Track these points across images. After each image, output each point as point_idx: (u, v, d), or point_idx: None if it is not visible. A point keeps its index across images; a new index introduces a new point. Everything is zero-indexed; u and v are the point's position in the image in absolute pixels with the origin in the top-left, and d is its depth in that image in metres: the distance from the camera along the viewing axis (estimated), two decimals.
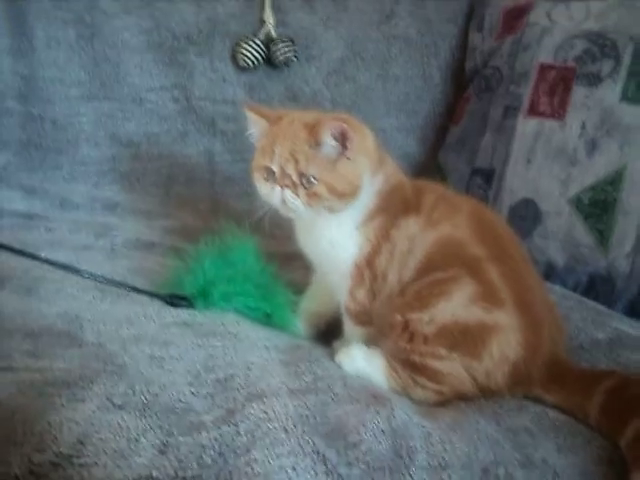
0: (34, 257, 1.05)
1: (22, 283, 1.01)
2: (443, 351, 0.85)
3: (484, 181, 1.35)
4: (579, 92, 1.28)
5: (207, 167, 1.46)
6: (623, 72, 1.26)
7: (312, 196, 0.87)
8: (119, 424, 0.71)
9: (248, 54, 1.42)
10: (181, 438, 0.70)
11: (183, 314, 0.96)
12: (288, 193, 0.87)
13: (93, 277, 1.01)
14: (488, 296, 0.85)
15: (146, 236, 1.28)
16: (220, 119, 1.46)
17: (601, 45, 1.28)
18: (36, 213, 1.31)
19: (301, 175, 0.86)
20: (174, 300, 0.99)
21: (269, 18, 1.45)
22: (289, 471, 0.66)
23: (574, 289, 1.24)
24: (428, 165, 1.53)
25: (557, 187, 1.26)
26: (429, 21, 1.56)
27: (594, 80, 1.27)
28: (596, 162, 1.24)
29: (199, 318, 0.95)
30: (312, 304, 1.02)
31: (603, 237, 1.22)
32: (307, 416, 0.73)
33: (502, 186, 1.31)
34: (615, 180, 1.22)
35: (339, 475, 0.67)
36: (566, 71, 1.30)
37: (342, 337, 0.98)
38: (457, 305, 0.85)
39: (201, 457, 0.68)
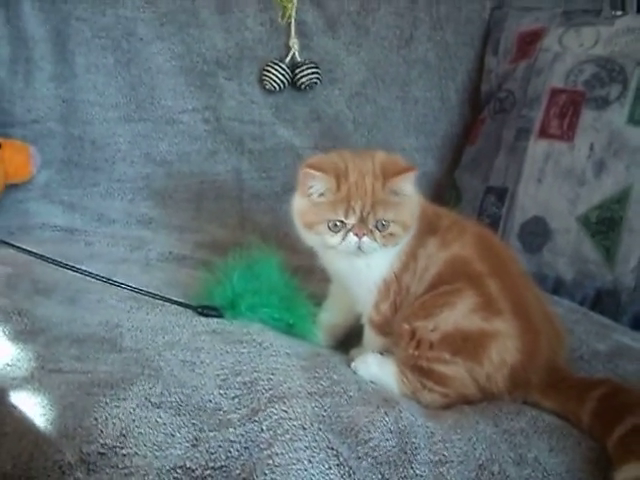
0: (77, 270, 1.12)
1: (66, 294, 1.10)
2: (447, 356, 0.92)
3: (497, 199, 1.40)
4: (588, 115, 1.34)
5: (235, 184, 1.54)
6: (630, 96, 1.31)
7: (388, 237, 0.94)
8: (156, 420, 0.79)
9: (274, 77, 1.50)
10: (211, 433, 0.77)
11: (213, 323, 1.04)
12: (366, 240, 0.93)
13: (131, 289, 1.09)
14: (487, 306, 0.93)
15: (178, 249, 1.36)
16: (248, 139, 1.54)
17: (609, 70, 1.34)
18: (76, 227, 1.41)
19: (378, 222, 0.93)
20: (204, 310, 1.07)
21: (294, 43, 1.52)
22: (306, 463, 0.74)
23: (582, 303, 1.30)
24: (445, 184, 1.59)
25: (566, 206, 1.32)
26: (447, 45, 1.62)
27: (602, 104, 1.33)
28: (603, 182, 1.30)
29: (227, 327, 1.03)
30: (331, 316, 1.09)
31: (609, 253, 1.27)
32: (323, 416, 0.81)
33: (514, 204, 1.38)
34: (621, 199, 1.28)
35: (350, 467, 0.74)
36: (576, 95, 1.36)
37: (360, 345, 1.05)
38: (459, 314, 0.92)
39: (229, 450, 0.75)
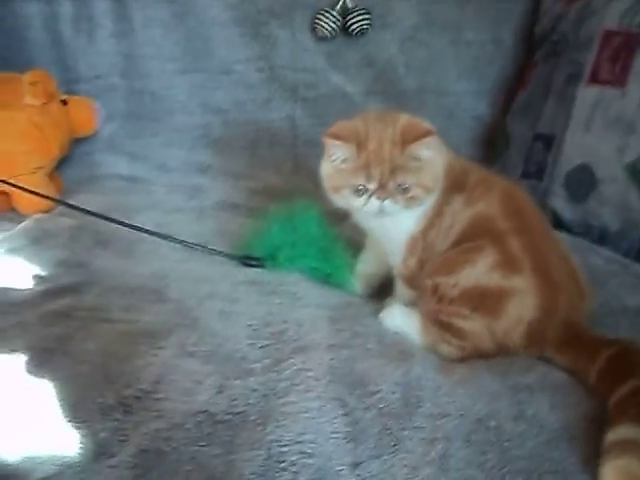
0: (127, 225, 1.20)
1: (123, 245, 1.19)
2: (466, 311, 0.96)
3: (544, 146, 1.39)
4: None
5: (289, 131, 1.58)
6: None
7: (410, 200, 0.97)
8: (188, 368, 0.87)
9: (326, 25, 1.52)
10: (235, 382, 0.84)
11: (253, 274, 1.11)
12: (388, 203, 0.97)
13: (176, 241, 1.17)
14: (508, 264, 0.95)
15: (232, 198, 1.43)
16: (301, 86, 1.58)
17: None
18: (138, 176, 1.51)
19: (399, 186, 0.97)
20: (247, 261, 1.14)
21: None
22: (315, 412, 0.80)
23: (627, 253, 1.29)
24: (497, 129, 1.58)
25: (613, 154, 1.29)
26: None
27: None
28: None
29: (266, 277, 1.10)
30: (367, 266, 1.13)
31: None
32: (338, 367, 0.87)
33: (561, 152, 1.36)
34: None
35: (355, 417, 0.80)
36: (630, 37, 1.31)
37: (393, 296, 1.10)
38: (479, 271, 0.95)
39: (248, 397, 0.82)
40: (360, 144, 0.97)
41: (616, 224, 1.30)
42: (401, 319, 1.01)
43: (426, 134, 0.96)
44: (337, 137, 0.98)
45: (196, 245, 1.17)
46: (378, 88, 1.56)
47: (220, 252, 1.16)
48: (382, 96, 1.58)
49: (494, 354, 0.96)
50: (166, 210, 1.36)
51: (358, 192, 0.98)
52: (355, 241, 1.15)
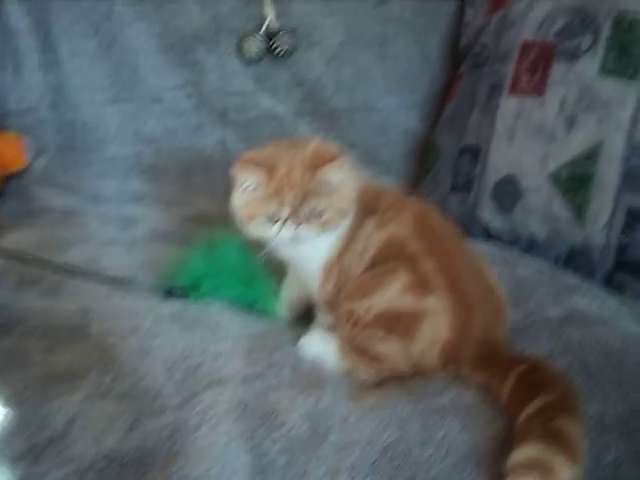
0: (51, 266, 1.19)
1: (48, 283, 1.17)
2: (381, 334, 0.96)
3: (471, 158, 1.40)
4: (559, 68, 1.30)
5: (221, 156, 1.58)
6: (602, 45, 1.26)
7: (324, 224, 0.98)
8: (101, 410, 0.87)
9: (252, 48, 1.52)
10: (146, 419, 0.84)
11: (177, 305, 1.10)
12: (302, 229, 0.97)
13: (98, 278, 1.17)
14: (420, 285, 0.95)
15: (164, 227, 1.42)
16: (231, 110, 1.58)
17: (581, 19, 1.30)
18: (72, 209, 1.49)
19: (312, 210, 0.97)
20: (171, 292, 1.14)
21: (269, 12, 1.53)
22: (222, 447, 0.80)
23: (555, 262, 1.29)
24: (428, 142, 1.59)
25: (537, 163, 1.30)
26: None
27: (573, 55, 1.29)
28: (574, 138, 1.27)
29: (189, 309, 1.09)
30: (292, 291, 1.13)
31: (580, 211, 1.26)
32: (249, 400, 0.87)
33: (487, 163, 1.37)
34: (592, 155, 1.25)
35: (262, 450, 0.80)
36: (547, 47, 1.32)
37: (315, 322, 1.10)
38: (392, 294, 0.96)
39: (159, 435, 0.82)
40: (270, 171, 0.98)
41: (543, 233, 1.31)
42: (319, 345, 1.02)
43: (336, 157, 0.97)
44: (247, 164, 0.99)
45: (119, 280, 1.16)
46: (308, 108, 1.57)
47: (143, 286, 1.16)
48: (312, 116, 1.59)
49: (411, 376, 0.96)
50: (98, 243, 1.35)
51: (271, 220, 0.98)
52: (279, 267, 1.14)
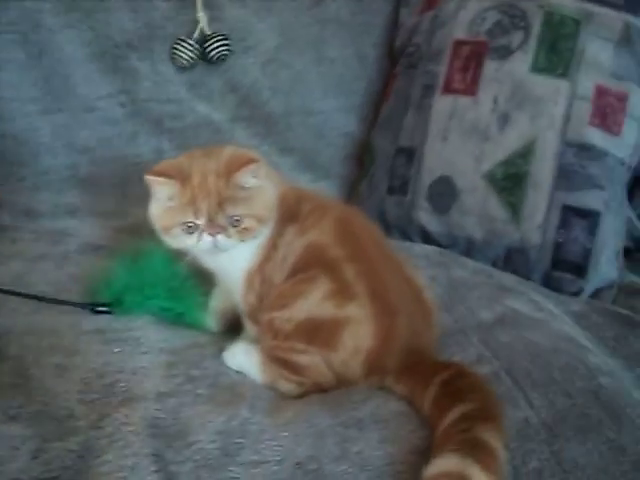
0: None
1: None
2: (301, 345, 0.93)
3: (406, 160, 1.38)
4: (490, 66, 1.29)
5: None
6: (533, 42, 1.26)
7: (243, 232, 0.95)
8: (7, 434, 0.83)
9: (183, 54, 1.48)
10: (54, 444, 0.81)
11: (101, 321, 1.06)
12: (221, 238, 0.94)
13: (18, 295, 1.13)
14: (341, 292, 0.93)
15: (97, 239, 1.38)
16: (166, 118, 1.54)
17: (512, 16, 1.29)
18: (5, 224, 1.45)
19: (230, 218, 0.94)
20: (96, 308, 1.10)
21: (201, 17, 1.50)
22: (128, 470, 0.77)
23: (494, 262, 1.28)
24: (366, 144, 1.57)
25: (471, 163, 1.29)
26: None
27: (505, 53, 1.28)
28: (508, 136, 1.26)
29: (113, 324, 1.05)
30: (220, 302, 1.10)
31: (515, 210, 1.25)
32: (161, 418, 0.84)
33: (421, 164, 1.35)
34: (526, 153, 1.24)
35: (169, 472, 0.77)
36: (478, 46, 1.31)
37: (243, 333, 1.07)
38: (312, 302, 0.93)
39: (64, 460, 0.79)
40: (184, 180, 0.95)
41: (480, 234, 1.29)
42: (242, 357, 0.99)
43: (250, 161, 0.94)
44: (159, 175, 0.96)
45: (42, 298, 1.13)
46: (244, 114, 1.54)
47: (68, 302, 1.12)
48: (248, 122, 1.56)
49: (334, 386, 0.94)
50: (28, 258, 1.31)
51: (189, 229, 0.95)
52: (207, 277, 1.12)
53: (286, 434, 0.83)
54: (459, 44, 1.33)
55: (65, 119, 1.52)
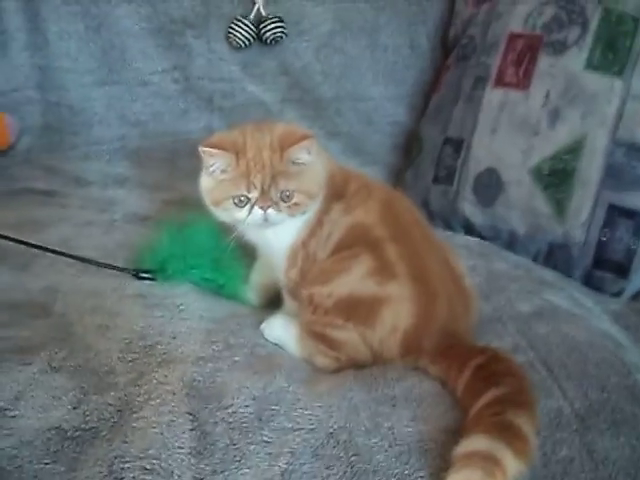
0: (20, 242, 1.18)
1: (19, 260, 1.16)
2: (340, 321, 0.94)
3: (454, 150, 1.38)
4: (545, 61, 1.28)
5: None
6: (589, 39, 1.25)
7: (293, 207, 0.96)
8: (50, 384, 0.86)
9: (239, 35, 1.51)
10: (94, 397, 0.83)
11: (144, 287, 1.09)
12: (271, 212, 0.96)
13: (64, 255, 1.15)
14: (383, 271, 0.94)
15: (144, 210, 1.41)
16: (218, 96, 1.58)
17: (569, 11, 1.27)
18: (55, 190, 1.48)
19: (282, 193, 0.95)
20: (140, 274, 1.13)
21: None
22: (164, 427, 0.79)
23: (535, 257, 1.28)
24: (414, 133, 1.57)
25: (519, 157, 1.28)
26: None
27: (560, 48, 1.27)
28: (557, 132, 1.25)
29: (155, 290, 1.08)
30: (261, 276, 1.12)
31: (560, 206, 1.24)
32: (198, 381, 0.86)
33: (469, 156, 1.35)
34: (575, 149, 1.23)
35: (203, 431, 0.79)
36: (533, 39, 1.30)
37: (283, 307, 1.08)
38: (354, 279, 0.94)
39: (102, 413, 0.81)
40: (238, 152, 0.96)
41: (523, 228, 1.29)
42: (280, 330, 1.01)
43: (304, 138, 0.96)
44: (214, 147, 0.97)
45: (87, 260, 1.16)
46: (294, 96, 1.56)
47: (112, 266, 1.15)
48: (298, 104, 1.58)
49: (370, 364, 0.95)
50: (75, 224, 1.34)
51: (240, 203, 0.96)
52: (249, 251, 1.13)
53: (320, 405, 0.84)
54: (514, 37, 1.32)
55: (119, 91, 1.56)
